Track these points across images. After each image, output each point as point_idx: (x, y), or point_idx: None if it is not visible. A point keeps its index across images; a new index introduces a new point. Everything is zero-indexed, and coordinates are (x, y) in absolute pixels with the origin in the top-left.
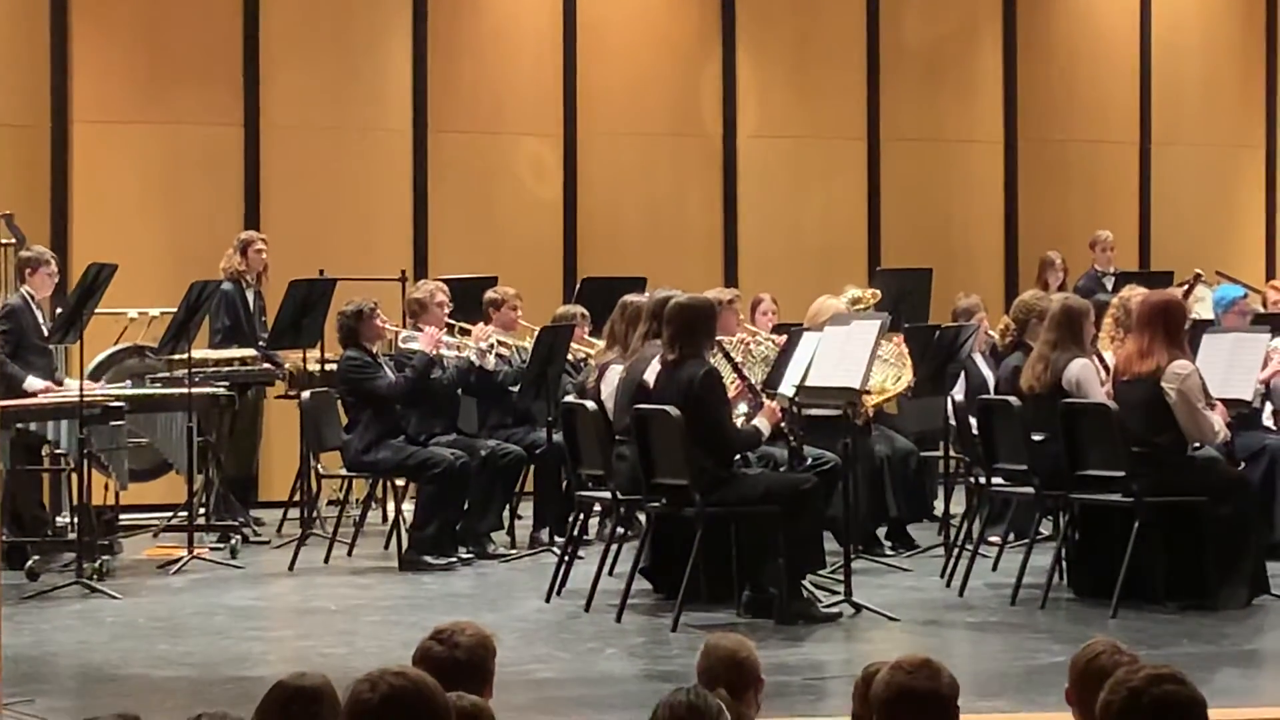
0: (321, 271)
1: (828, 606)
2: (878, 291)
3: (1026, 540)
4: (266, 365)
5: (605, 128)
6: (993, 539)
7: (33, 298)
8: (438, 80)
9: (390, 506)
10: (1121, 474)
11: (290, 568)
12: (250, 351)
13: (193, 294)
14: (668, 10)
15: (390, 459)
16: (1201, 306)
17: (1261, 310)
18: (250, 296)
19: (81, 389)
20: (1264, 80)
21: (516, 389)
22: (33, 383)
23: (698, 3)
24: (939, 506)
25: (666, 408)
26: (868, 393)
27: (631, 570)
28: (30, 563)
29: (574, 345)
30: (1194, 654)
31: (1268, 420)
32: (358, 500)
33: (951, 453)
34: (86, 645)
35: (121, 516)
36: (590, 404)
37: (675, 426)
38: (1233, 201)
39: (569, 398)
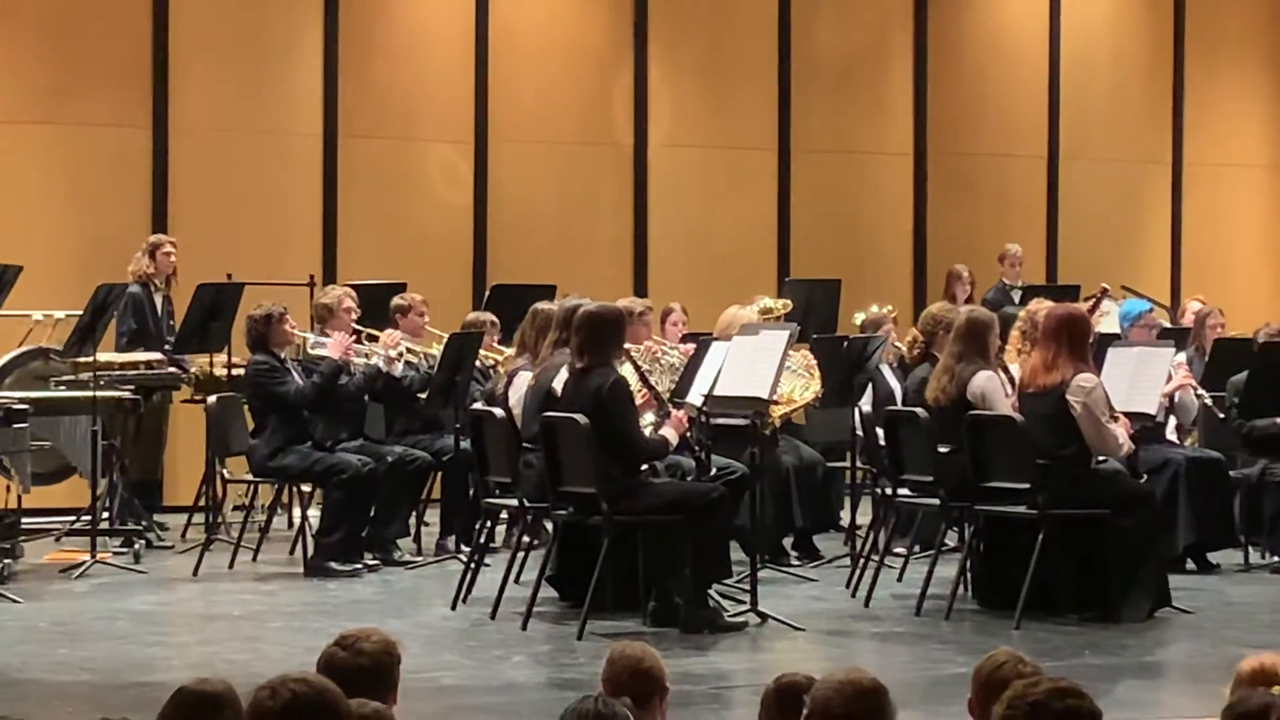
0: (229, 275)
1: (733, 616)
2: (789, 302)
3: (932, 551)
4: (172, 369)
5: (516, 135)
6: (898, 550)
7: None
8: (349, 85)
9: (296, 512)
10: (1026, 486)
11: (194, 573)
12: (156, 355)
13: (99, 297)
14: (580, 19)
15: (296, 464)
16: (1107, 320)
17: (1166, 325)
18: (158, 300)
19: None
20: (1171, 97)
21: (424, 395)
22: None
23: (610, 12)
24: (845, 517)
25: (574, 416)
26: (776, 402)
27: (538, 578)
28: None
29: (483, 352)
30: (1096, 665)
31: (1171, 434)
32: (263, 506)
33: (858, 464)
34: None
35: (24, 520)
36: (498, 411)
37: (583, 435)
38: (1139, 217)
39: (477, 405)
